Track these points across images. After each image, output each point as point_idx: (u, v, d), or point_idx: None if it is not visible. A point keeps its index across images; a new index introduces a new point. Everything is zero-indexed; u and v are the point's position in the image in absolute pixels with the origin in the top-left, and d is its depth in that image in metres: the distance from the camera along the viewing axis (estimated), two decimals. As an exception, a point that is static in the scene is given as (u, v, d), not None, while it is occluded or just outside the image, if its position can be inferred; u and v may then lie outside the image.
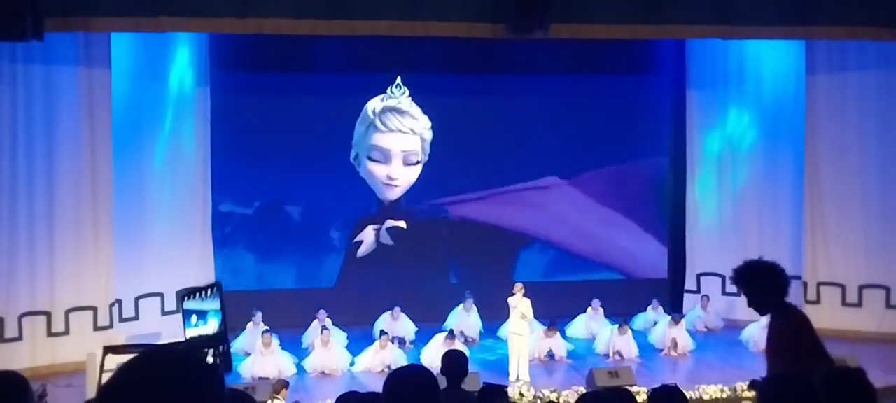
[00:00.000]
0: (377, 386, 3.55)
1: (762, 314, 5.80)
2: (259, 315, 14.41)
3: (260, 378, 12.40)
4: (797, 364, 5.45)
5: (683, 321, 14.80)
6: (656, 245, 17.45)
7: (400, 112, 16.55)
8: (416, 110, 16.55)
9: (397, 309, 14.94)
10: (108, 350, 10.13)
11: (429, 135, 16.60)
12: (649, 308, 15.94)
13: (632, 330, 14.63)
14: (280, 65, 15.83)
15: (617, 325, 14.39)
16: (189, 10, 12.07)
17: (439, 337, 13.43)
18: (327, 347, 13.43)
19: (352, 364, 13.49)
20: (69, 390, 11.92)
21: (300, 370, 13.30)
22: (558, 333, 14.06)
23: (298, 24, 12.42)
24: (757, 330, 14.61)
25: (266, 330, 13.39)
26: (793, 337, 5.50)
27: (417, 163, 16.67)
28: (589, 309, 15.46)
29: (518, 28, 12.34)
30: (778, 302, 5.52)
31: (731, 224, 16.56)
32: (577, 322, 15.55)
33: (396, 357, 13.23)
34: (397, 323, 14.83)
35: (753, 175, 16.37)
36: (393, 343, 13.77)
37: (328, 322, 14.28)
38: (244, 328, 14.37)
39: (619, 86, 17.08)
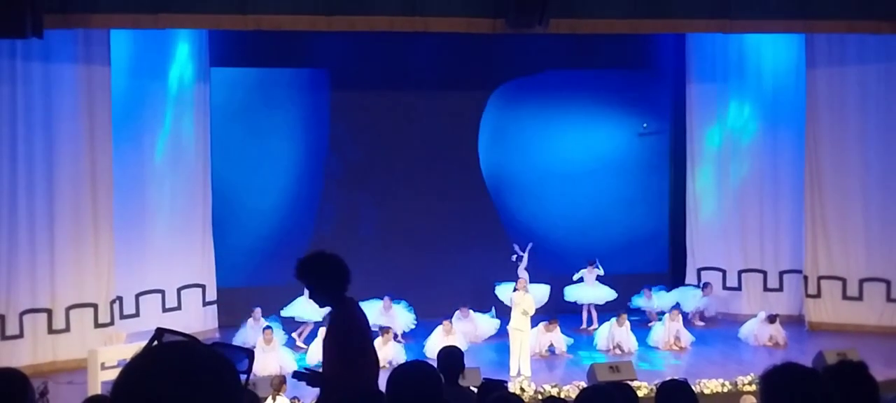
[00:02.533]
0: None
1: (323, 306, 5.54)
2: (258, 310, 14.38)
3: (262, 376, 12.36)
4: (345, 357, 5.32)
5: (679, 315, 14.76)
6: (657, 239, 17.46)
7: None
8: None
9: (387, 298, 14.69)
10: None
11: None
12: (642, 296, 15.89)
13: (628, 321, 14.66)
14: (280, 60, 15.83)
15: (615, 318, 14.42)
16: (188, 6, 12.06)
17: (440, 329, 13.46)
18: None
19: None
20: (70, 387, 11.92)
21: (301, 366, 13.30)
22: (558, 327, 14.07)
23: (297, 19, 12.40)
24: (756, 325, 14.63)
25: (267, 327, 13.39)
26: (348, 330, 5.36)
27: None
28: (585, 271, 15.56)
29: (518, 23, 12.31)
30: (341, 296, 5.36)
31: (731, 218, 16.57)
32: (578, 288, 15.66)
33: (398, 353, 13.24)
34: (389, 314, 14.62)
35: (754, 169, 16.38)
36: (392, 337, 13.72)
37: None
38: (244, 325, 14.42)
39: (619, 81, 17.08)
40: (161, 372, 1.66)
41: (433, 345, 12.99)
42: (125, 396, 1.66)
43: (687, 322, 15.09)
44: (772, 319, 14.51)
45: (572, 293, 15.75)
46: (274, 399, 10.52)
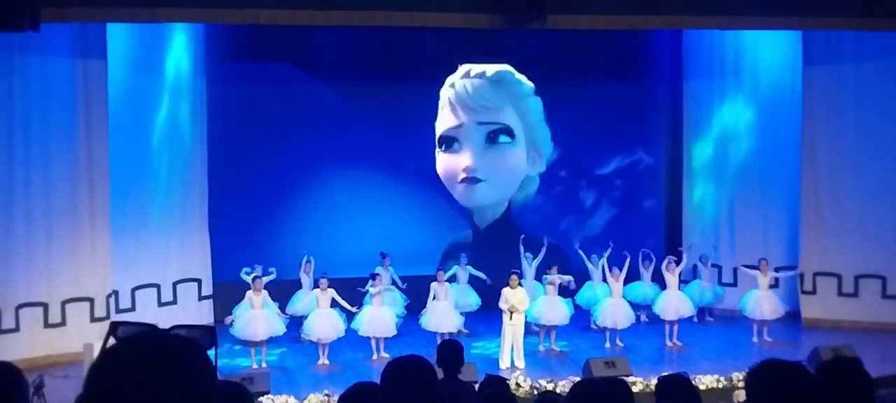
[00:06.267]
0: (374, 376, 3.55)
1: None
2: (259, 268, 13.91)
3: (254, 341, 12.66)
4: None
5: (679, 268, 14.58)
6: (654, 235, 17.45)
7: None
8: None
9: (388, 259, 14.74)
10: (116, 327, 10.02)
11: None
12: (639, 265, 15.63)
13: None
14: (277, 54, 15.82)
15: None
16: (185, 0, 12.03)
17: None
18: (325, 296, 13.24)
19: (348, 327, 13.39)
20: (66, 380, 11.90)
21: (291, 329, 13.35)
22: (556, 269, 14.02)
23: (295, 14, 12.37)
24: (753, 297, 14.50)
25: (256, 276, 13.16)
26: None
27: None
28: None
29: (515, 18, 12.29)
30: None
31: (727, 214, 16.59)
32: (585, 289, 15.37)
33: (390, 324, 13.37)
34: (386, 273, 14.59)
35: (750, 165, 16.40)
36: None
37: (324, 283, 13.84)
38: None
39: (616, 78, 17.07)
40: (128, 367, 1.64)
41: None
42: (94, 396, 1.63)
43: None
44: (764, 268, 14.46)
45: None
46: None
